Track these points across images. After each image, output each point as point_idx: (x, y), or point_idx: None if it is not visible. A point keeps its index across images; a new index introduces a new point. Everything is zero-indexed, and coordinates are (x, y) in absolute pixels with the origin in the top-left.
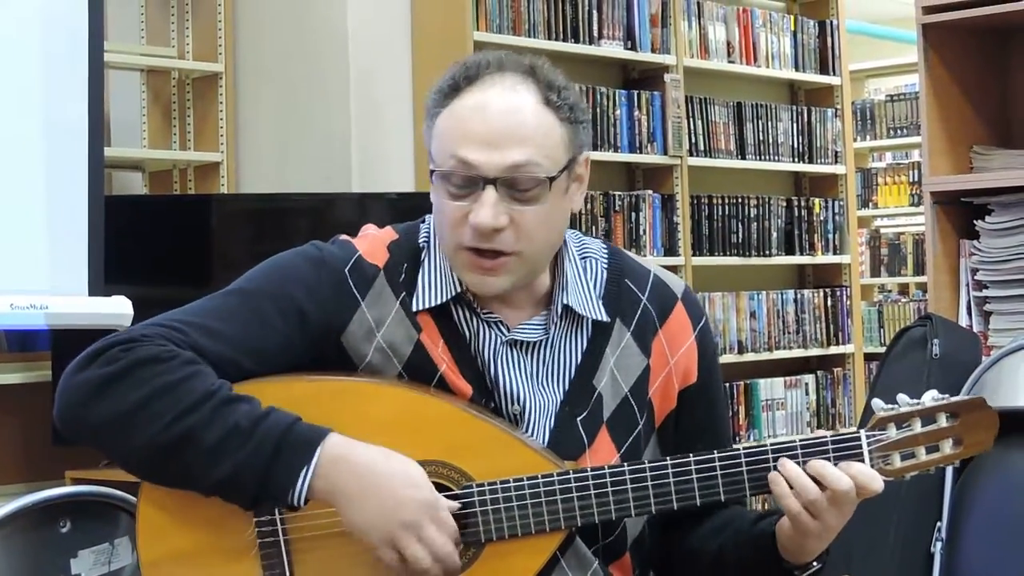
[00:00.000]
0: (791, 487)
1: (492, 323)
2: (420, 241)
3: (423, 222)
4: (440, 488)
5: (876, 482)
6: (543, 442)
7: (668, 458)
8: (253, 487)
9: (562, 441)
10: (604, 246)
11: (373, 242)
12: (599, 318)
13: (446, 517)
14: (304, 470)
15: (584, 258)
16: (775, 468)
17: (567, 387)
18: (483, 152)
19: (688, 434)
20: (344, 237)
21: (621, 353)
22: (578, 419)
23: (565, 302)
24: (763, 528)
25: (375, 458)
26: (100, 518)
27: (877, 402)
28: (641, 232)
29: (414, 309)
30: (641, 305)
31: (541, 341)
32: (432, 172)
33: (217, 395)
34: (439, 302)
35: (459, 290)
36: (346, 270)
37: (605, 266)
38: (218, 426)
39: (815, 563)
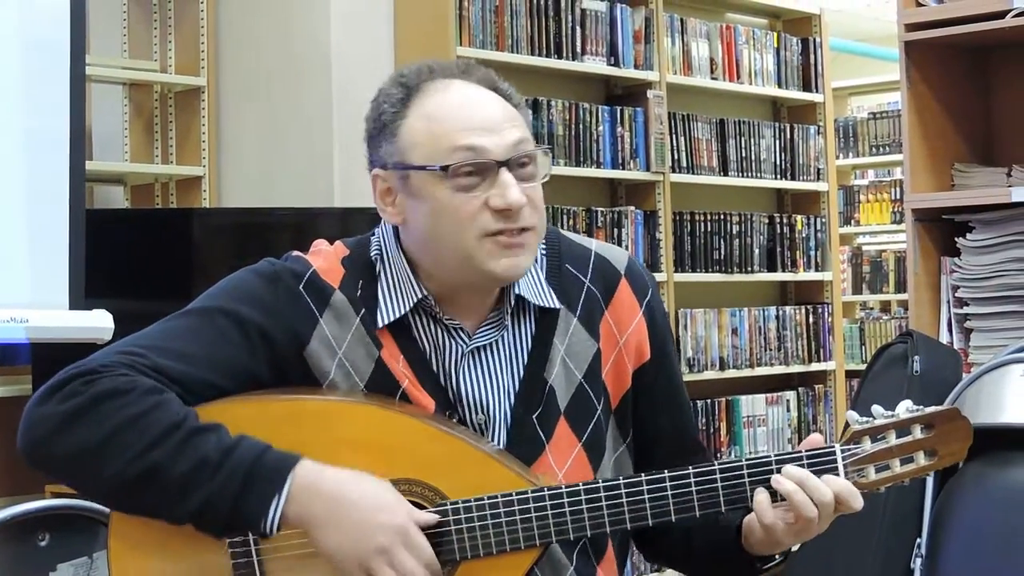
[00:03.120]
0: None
1: (453, 330)
2: (372, 255)
3: (372, 235)
4: (415, 507)
5: (857, 500)
6: (501, 444)
7: (643, 474)
8: (224, 518)
9: (520, 442)
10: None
11: (327, 258)
12: (551, 305)
13: (419, 540)
14: (275, 499)
15: None
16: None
17: (519, 384)
18: (487, 137)
19: (650, 410)
20: (297, 253)
21: (570, 341)
22: (534, 417)
23: (517, 292)
24: (731, 519)
25: (346, 483)
26: (79, 531)
27: (852, 414)
28: (623, 248)
29: (378, 325)
30: (584, 288)
31: (500, 338)
32: (410, 172)
33: (183, 427)
34: (402, 313)
35: (420, 296)
36: (300, 286)
37: (544, 253)
38: (186, 459)
39: (778, 555)
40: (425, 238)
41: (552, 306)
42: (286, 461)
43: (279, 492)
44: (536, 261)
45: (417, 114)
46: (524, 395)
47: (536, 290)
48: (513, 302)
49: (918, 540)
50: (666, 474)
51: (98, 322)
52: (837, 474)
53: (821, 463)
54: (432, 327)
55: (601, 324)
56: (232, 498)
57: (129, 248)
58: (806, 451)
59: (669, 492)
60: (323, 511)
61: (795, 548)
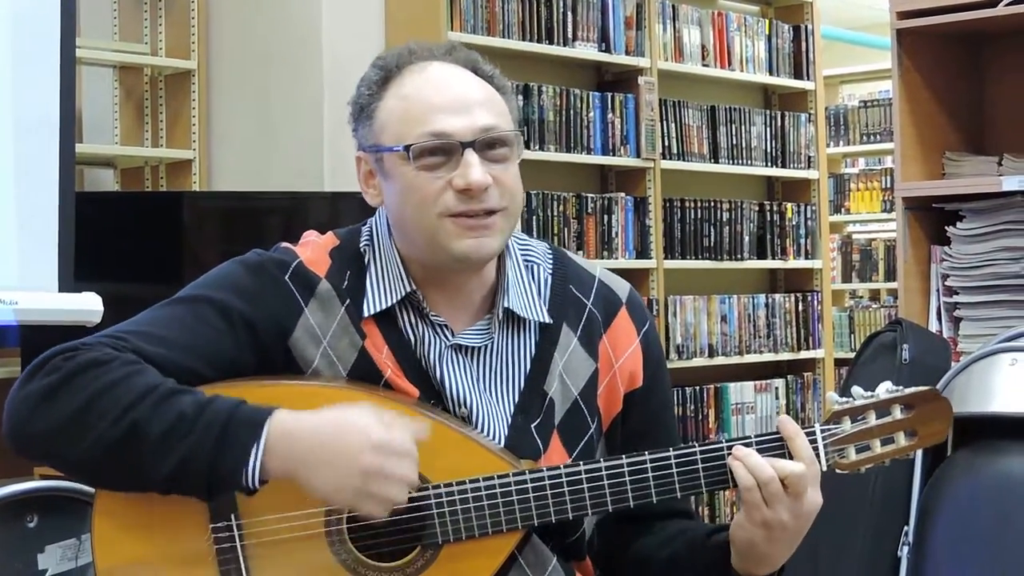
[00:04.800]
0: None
1: (438, 326)
2: (362, 245)
3: (364, 225)
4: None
5: (795, 466)
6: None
7: (623, 456)
8: (204, 473)
9: (518, 449)
10: (549, 250)
11: (315, 249)
12: (541, 320)
13: (401, 444)
14: (254, 448)
15: (528, 262)
16: (730, 455)
17: (519, 394)
18: (454, 119)
19: (632, 436)
20: (285, 244)
21: (569, 357)
22: (532, 426)
23: (506, 305)
24: (719, 539)
25: (321, 421)
26: (67, 513)
27: (832, 395)
28: (613, 235)
29: (364, 314)
30: (587, 310)
31: (486, 347)
32: (407, 147)
33: (159, 389)
34: (389, 304)
35: (408, 290)
36: (286, 276)
37: (550, 272)
38: (163, 417)
39: None
40: (396, 219)
41: (542, 320)
42: (261, 412)
43: (256, 442)
44: (533, 277)
45: (391, 97)
46: (524, 403)
47: (525, 303)
48: (502, 314)
49: (905, 528)
50: (647, 456)
51: (87, 305)
52: (817, 454)
53: None
54: (417, 321)
55: (600, 346)
56: (210, 452)
57: (119, 231)
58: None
59: (650, 473)
60: (305, 455)
61: (782, 572)
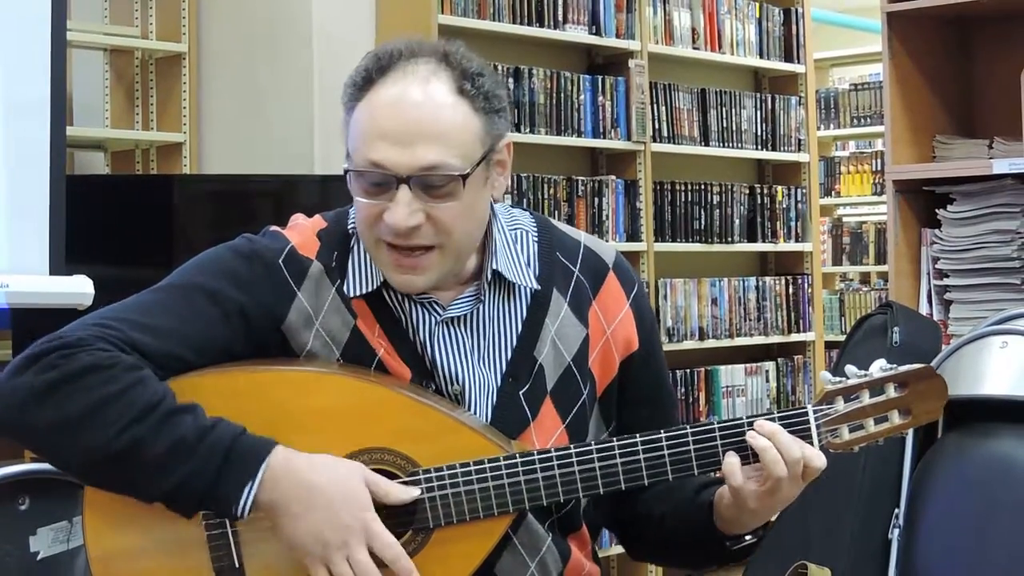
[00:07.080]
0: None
1: (425, 303)
2: (349, 228)
3: (351, 207)
4: (387, 476)
5: (819, 459)
6: (486, 419)
7: (615, 439)
8: (197, 500)
9: (505, 417)
10: (532, 219)
11: (304, 232)
12: (530, 285)
13: (380, 534)
14: (249, 484)
15: (514, 230)
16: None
17: (508, 361)
18: (395, 151)
19: (633, 399)
20: (275, 228)
21: (561, 323)
22: (520, 393)
23: (495, 267)
24: (704, 498)
25: (317, 474)
26: (59, 496)
27: (825, 375)
28: (604, 217)
29: (348, 296)
30: (574, 277)
31: (475, 312)
32: (346, 171)
33: (162, 406)
34: (371, 288)
35: None
36: (280, 261)
37: (535, 239)
38: (164, 439)
39: (748, 536)
40: None
41: (530, 286)
42: (261, 446)
43: (253, 478)
44: (520, 244)
45: (363, 105)
46: (513, 371)
47: (513, 267)
48: (490, 276)
49: (896, 511)
50: (638, 438)
51: (78, 288)
52: (809, 434)
53: (794, 424)
54: (404, 299)
55: (589, 313)
56: (207, 482)
57: (109, 214)
58: (778, 413)
59: (641, 455)
60: (291, 501)
61: (765, 529)
